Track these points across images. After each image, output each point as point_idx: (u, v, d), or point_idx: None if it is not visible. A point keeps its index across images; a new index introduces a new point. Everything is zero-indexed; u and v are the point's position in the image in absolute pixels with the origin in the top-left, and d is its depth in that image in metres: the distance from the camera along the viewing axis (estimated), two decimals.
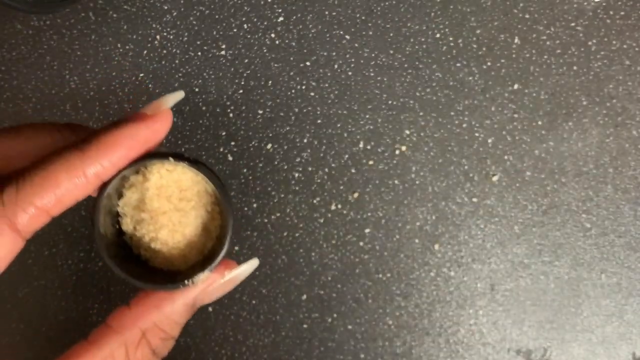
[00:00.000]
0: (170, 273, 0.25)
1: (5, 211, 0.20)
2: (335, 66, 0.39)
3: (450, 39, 0.40)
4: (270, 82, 0.39)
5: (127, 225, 0.25)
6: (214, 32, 0.39)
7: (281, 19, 0.40)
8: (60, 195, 0.21)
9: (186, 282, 0.23)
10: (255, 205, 0.39)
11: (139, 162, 0.23)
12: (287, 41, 0.39)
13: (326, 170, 0.39)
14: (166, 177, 0.24)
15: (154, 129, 0.22)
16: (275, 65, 0.39)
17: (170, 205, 0.24)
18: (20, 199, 0.20)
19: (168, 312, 0.23)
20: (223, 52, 0.39)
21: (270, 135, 0.39)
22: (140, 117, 0.22)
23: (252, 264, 0.25)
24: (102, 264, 0.38)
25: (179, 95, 0.24)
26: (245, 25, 0.39)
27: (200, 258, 0.25)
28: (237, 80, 0.39)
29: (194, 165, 0.23)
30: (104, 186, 0.22)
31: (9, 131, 0.23)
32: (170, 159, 0.23)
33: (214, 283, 0.24)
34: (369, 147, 0.39)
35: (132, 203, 0.24)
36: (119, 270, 0.23)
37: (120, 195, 0.24)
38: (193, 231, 0.25)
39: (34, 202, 0.20)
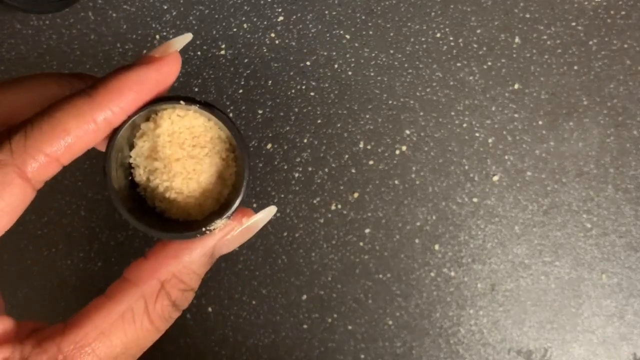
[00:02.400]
0: (187, 223, 0.24)
1: (14, 159, 0.20)
2: (335, 66, 0.39)
3: (451, 38, 0.39)
4: (270, 81, 0.39)
5: (140, 176, 0.24)
6: (214, 32, 0.39)
7: (281, 18, 0.39)
8: (70, 142, 0.20)
9: (203, 229, 0.22)
10: (255, 205, 0.39)
11: (149, 108, 0.22)
12: (287, 41, 0.39)
13: (326, 170, 0.39)
14: (178, 122, 0.23)
15: (163, 71, 0.22)
16: (275, 65, 0.39)
17: (184, 152, 0.23)
18: (29, 147, 0.20)
19: (187, 261, 0.22)
20: (223, 52, 0.39)
21: (270, 135, 0.39)
22: (148, 60, 0.22)
23: (269, 211, 0.24)
24: (101, 264, 0.38)
25: (187, 37, 0.23)
26: (245, 25, 0.39)
27: (216, 207, 0.24)
28: (236, 80, 0.39)
29: (207, 109, 0.22)
30: (113, 134, 0.22)
31: (14, 82, 0.23)
32: (182, 102, 0.22)
33: (231, 231, 0.23)
34: (369, 147, 0.39)
35: (144, 153, 0.24)
36: (136, 222, 0.22)
37: (131, 146, 0.24)
38: (208, 179, 0.24)
39: (44, 150, 0.20)
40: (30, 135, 0.20)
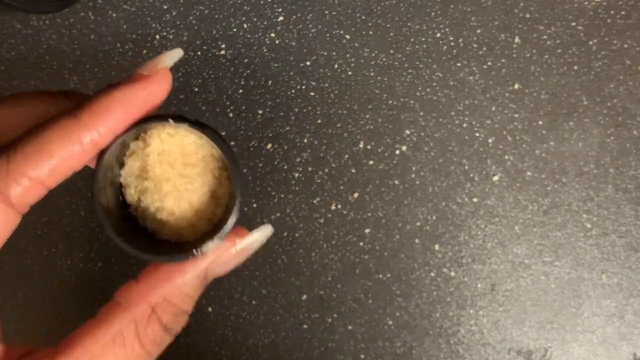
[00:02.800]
0: (179, 244, 0.23)
1: (17, 183, 0.19)
2: (335, 66, 0.39)
3: (451, 38, 0.39)
4: (270, 81, 0.39)
5: (131, 196, 0.23)
6: (214, 32, 0.39)
7: (281, 18, 0.39)
8: (54, 165, 0.19)
9: (195, 252, 0.21)
10: (255, 205, 0.39)
11: (138, 127, 0.21)
12: (287, 41, 0.39)
13: (326, 170, 0.39)
14: (168, 141, 0.23)
15: (152, 90, 0.21)
16: (275, 65, 0.39)
17: (174, 172, 0.23)
18: (12, 170, 0.19)
19: (179, 284, 0.21)
20: (223, 52, 0.39)
21: (270, 135, 0.39)
22: (136, 78, 0.21)
23: (265, 231, 0.24)
24: (101, 264, 0.38)
25: (177, 53, 0.22)
26: (245, 25, 0.39)
27: (209, 227, 0.23)
28: (236, 80, 0.39)
29: (197, 127, 0.21)
30: (101, 154, 0.21)
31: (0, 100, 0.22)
32: (170, 120, 0.21)
33: (225, 252, 0.22)
34: (369, 147, 0.39)
35: (134, 172, 0.23)
36: (125, 244, 0.21)
37: (121, 165, 0.23)
38: (200, 198, 0.23)
39: (27, 173, 0.19)
40: (13, 159, 0.19)
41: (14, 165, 0.19)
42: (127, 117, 0.20)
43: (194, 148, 0.23)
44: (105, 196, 0.22)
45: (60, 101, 0.22)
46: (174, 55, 0.22)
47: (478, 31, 0.40)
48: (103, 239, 0.38)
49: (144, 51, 0.39)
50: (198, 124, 0.22)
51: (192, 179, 0.23)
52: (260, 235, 0.23)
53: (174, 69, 0.39)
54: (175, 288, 0.21)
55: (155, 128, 0.22)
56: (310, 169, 0.39)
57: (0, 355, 0.22)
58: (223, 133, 0.39)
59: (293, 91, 0.39)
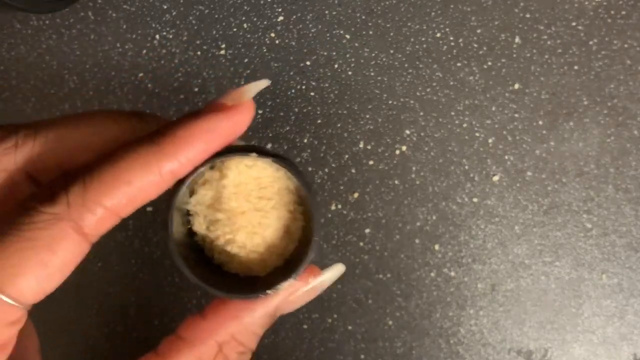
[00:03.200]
0: (247, 279, 0.22)
1: (70, 213, 0.18)
2: (335, 66, 0.39)
3: (451, 38, 0.39)
4: (270, 81, 0.39)
5: (199, 225, 0.22)
6: (214, 32, 0.39)
7: (281, 18, 0.39)
8: (132, 195, 0.18)
9: (269, 291, 0.21)
10: None
11: (216, 157, 0.20)
12: (287, 41, 0.39)
13: (326, 170, 0.39)
14: (245, 173, 0.22)
15: (236, 121, 0.20)
16: (275, 64, 0.39)
17: (250, 205, 0.22)
18: (88, 200, 0.18)
19: (247, 322, 0.21)
20: (223, 52, 0.39)
21: (270, 135, 0.39)
22: (220, 108, 0.20)
23: (338, 270, 0.23)
24: (101, 264, 0.38)
25: (264, 83, 0.21)
26: (245, 25, 0.39)
27: (281, 262, 0.22)
28: (236, 80, 0.39)
29: (276, 160, 0.21)
30: (177, 185, 0.20)
31: (70, 120, 0.21)
32: (254, 154, 0.20)
33: (296, 291, 0.21)
34: (369, 147, 0.39)
35: (205, 201, 0.22)
36: (193, 277, 0.20)
37: (191, 192, 0.22)
38: (274, 233, 0.22)
39: (103, 203, 0.18)
40: (89, 187, 0.18)
41: (91, 194, 0.18)
42: (209, 148, 0.19)
43: (271, 180, 0.22)
44: (175, 226, 0.21)
45: (134, 124, 0.21)
46: (260, 85, 0.21)
47: (478, 31, 0.39)
48: (103, 239, 0.38)
49: (144, 51, 0.39)
50: (277, 157, 0.21)
51: (267, 212, 0.22)
52: (332, 274, 0.23)
53: (174, 70, 0.39)
54: (244, 326, 0.21)
55: (233, 159, 0.21)
56: (310, 169, 0.39)
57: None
58: None
59: (293, 91, 0.39)
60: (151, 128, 0.20)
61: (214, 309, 0.21)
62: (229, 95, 0.20)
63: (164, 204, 0.20)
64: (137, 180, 0.18)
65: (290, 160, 0.21)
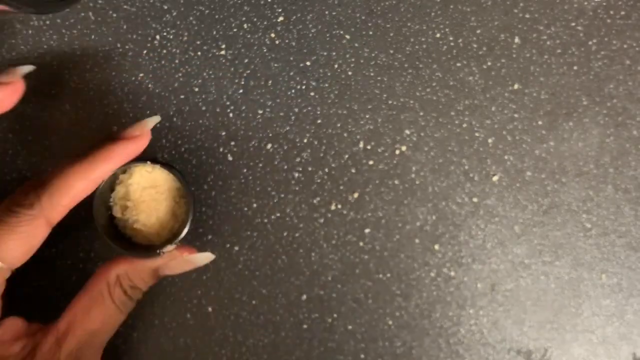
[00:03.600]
0: (148, 246, 0.34)
1: (43, 214, 0.30)
2: (335, 66, 0.39)
3: (451, 38, 0.39)
4: (270, 82, 0.39)
5: (116, 212, 0.34)
6: (214, 32, 0.39)
7: (281, 18, 0.39)
8: (76, 195, 0.30)
9: (157, 251, 0.33)
10: (255, 205, 0.39)
11: (126, 165, 0.32)
12: (287, 41, 0.39)
13: (326, 170, 0.39)
14: (145, 176, 0.34)
15: (139, 145, 0.32)
16: (275, 65, 0.39)
17: (148, 197, 0.34)
18: (52, 203, 0.29)
19: (137, 268, 0.32)
20: (223, 52, 0.39)
21: (270, 135, 0.39)
22: (128, 136, 0.32)
23: (206, 256, 0.34)
24: (101, 263, 0.38)
25: (156, 119, 0.34)
26: (245, 25, 0.39)
27: (170, 236, 0.34)
28: (237, 80, 0.39)
29: (166, 167, 0.33)
30: (99, 186, 0.32)
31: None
32: (149, 162, 0.33)
33: (174, 259, 0.33)
34: (369, 147, 0.39)
35: (120, 195, 0.34)
36: (112, 244, 0.32)
37: (112, 190, 0.34)
38: (164, 216, 0.34)
39: (62, 203, 0.30)
40: (52, 194, 0.30)
41: (54, 199, 0.30)
42: (121, 161, 0.31)
43: (164, 181, 0.34)
44: (99, 212, 0.33)
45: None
46: (154, 120, 0.34)
47: (478, 31, 0.40)
48: (102, 240, 0.38)
49: (144, 51, 0.39)
50: (167, 165, 0.33)
51: (160, 201, 0.34)
52: (202, 257, 0.34)
53: (174, 70, 0.39)
54: (133, 269, 0.33)
55: (137, 167, 0.33)
56: (310, 169, 0.39)
57: (24, 329, 0.32)
58: (223, 133, 0.39)
59: (293, 91, 0.39)
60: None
61: (118, 258, 0.33)
62: (134, 128, 0.32)
63: (92, 199, 0.32)
64: (78, 185, 0.30)
65: (175, 167, 0.33)
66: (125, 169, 0.33)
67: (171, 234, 0.34)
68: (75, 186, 0.29)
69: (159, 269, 0.33)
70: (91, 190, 0.31)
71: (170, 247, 0.32)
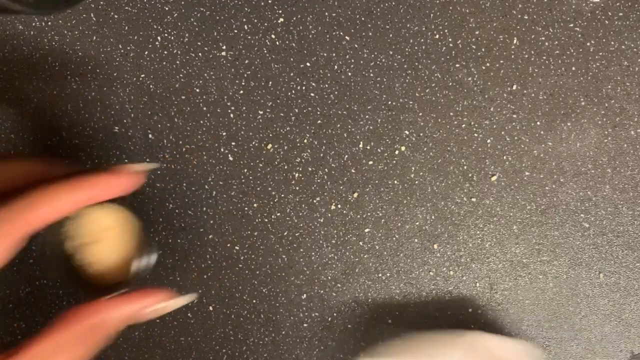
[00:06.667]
0: (101, 286, 0.33)
1: (21, 228, 0.28)
2: (335, 67, 0.40)
3: (450, 39, 0.40)
4: (270, 82, 0.39)
5: (71, 250, 0.32)
6: (215, 33, 0.40)
7: (281, 20, 0.40)
8: (52, 214, 0.29)
9: (108, 296, 0.30)
10: (255, 205, 0.39)
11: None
12: (287, 42, 0.40)
13: (326, 170, 0.39)
14: (102, 217, 0.33)
15: (129, 183, 0.30)
16: (276, 66, 0.39)
17: (102, 237, 0.32)
18: (30, 221, 0.29)
19: (109, 317, 0.30)
20: (224, 53, 0.39)
21: (270, 135, 0.39)
22: (123, 171, 0.31)
23: (182, 300, 0.32)
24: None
25: (154, 165, 0.36)
26: (245, 27, 0.40)
27: (125, 277, 0.32)
28: (237, 81, 0.39)
29: (123, 207, 0.32)
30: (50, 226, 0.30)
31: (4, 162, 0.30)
32: (105, 202, 0.31)
33: (146, 308, 0.31)
34: (368, 147, 0.39)
35: (76, 235, 0.32)
36: (67, 283, 0.32)
37: (68, 231, 0.33)
38: (118, 258, 0.32)
39: (41, 218, 0.28)
40: (31, 212, 0.28)
41: (31, 217, 0.28)
42: (107, 193, 0.30)
43: (120, 222, 0.33)
44: (53, 248, 0.32)
45: (41, 167, 0.31)
46: (150, 166, 0.34)
47: (476, 32, 0.40)
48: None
49: (146, 52, 0.39)
50: (123, 204, 0.32)
51: (114, 243, 0.32)
52: (176, 302, 0.32)
53: (175, 71, 0.39)
54: (102, 319, 0.30)
55: (94, 206, 0.31)
56: (310, 169, 0.39)
57: None
58: (224, 134, 0.39)
59: (293, 92, 0.39)
60: (53, 171, 0.30)
61: (88, 305, 0.31)
62: (131, 167, 0.31)
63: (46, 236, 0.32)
64: (55, 203, 0.29)
65: (129, 209, 0.32)
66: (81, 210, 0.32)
67: (126, 275, 0.33)
68: (52, 204, 0.29)
69: (130, 318, 0.31)
70: (64, 214, 0.29)
71: (118, 294, 0.31)
